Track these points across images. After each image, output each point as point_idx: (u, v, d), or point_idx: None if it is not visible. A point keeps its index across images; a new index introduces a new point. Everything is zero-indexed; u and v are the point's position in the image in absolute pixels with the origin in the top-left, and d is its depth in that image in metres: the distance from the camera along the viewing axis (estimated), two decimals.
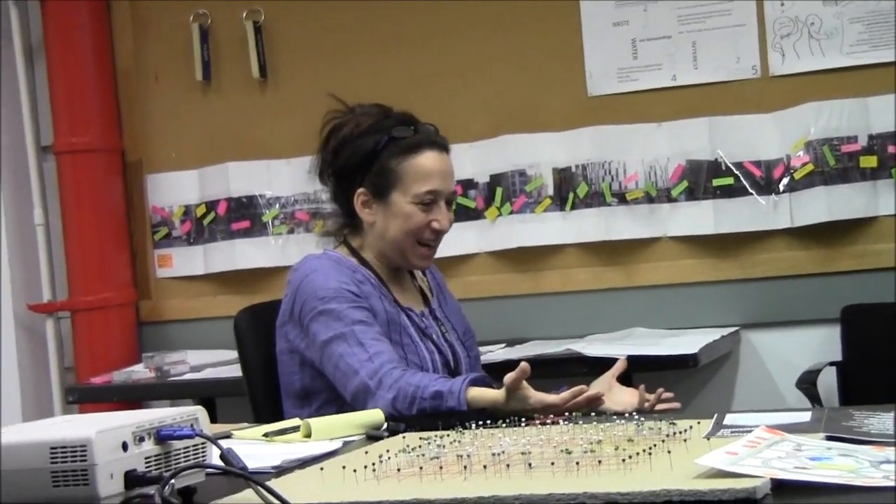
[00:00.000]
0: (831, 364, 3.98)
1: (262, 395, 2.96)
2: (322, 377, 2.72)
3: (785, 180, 4.09)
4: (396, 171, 2.77)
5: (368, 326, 2.68)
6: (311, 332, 2.69)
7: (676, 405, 2.61)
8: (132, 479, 1.61)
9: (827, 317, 4.04)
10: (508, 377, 2.44)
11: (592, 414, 2.40)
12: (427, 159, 2.78)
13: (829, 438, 1.76)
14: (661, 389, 2.64)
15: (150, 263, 4.81)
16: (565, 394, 2.44)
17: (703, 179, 4.18)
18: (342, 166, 2.82)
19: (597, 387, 2.62)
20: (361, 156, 2.79)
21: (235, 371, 4.16)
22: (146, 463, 1.65)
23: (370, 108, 2.86)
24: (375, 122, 2.81)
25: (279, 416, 2.74)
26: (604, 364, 3.55)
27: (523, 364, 2.42)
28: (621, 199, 4.26)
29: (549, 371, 3.63)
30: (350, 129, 2.82)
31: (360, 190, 2.80)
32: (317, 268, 2.74)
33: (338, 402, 2.69)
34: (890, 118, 4.00)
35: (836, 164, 4.04)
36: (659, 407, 2.59)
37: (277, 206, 4.65)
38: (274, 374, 2.86)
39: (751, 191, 4.13)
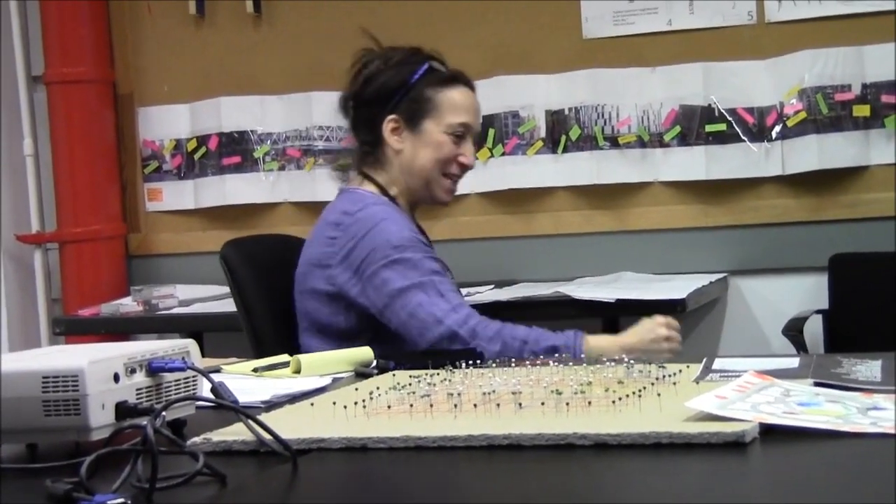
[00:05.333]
0: (818, 312, 4.00)
1: (262, 326, 2.93)
2: (368, 320, 2.70)
3: (777, 128, 4.09)
4: (433, 99, 2.80)
5: (443, 277, 2.69)
6: (381, 279, 2.66)
7: None
8: (123, 410, 1.61)
9: (815, 265, 4.06)
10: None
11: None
12: (463, 93, 2.84)
13: (818, 384, 1.77)
14: None
15: (140, 197, 4.81)
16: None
17: (695, 125, 4.18)
18: (374, 94, 2.83)
19: None
20: (397, 83, 2.82)
21: (224, 306, 4.18)
22: (137, 394, 1.65)
23: (400, 47, 2.90)
24: (409, 55, 2.85)
25: (281, 349, 2.70)
26: (592, 307, 3.59)
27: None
28: (613, 142, 4.26)
29: (538, 313, 3.65)
30: (383, 60, 2.85)
31: (392, 116, 2.81)
32: (386, 216, 2.72)
33: (375, 343, 2.68)
34: (885, 67, 3.99)
35: (828, 112, 4.04)
36: None
37: (269, 142, 4.63)
38: (274, 307, 2.85)
39: (743, 137, 4.13)
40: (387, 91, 2.82)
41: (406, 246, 2.67)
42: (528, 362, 2.14)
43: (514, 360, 2.42)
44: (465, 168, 2.83)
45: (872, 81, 4.01)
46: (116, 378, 1.62)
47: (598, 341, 2.58)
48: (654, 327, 2.62)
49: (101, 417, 1.58)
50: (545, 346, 2.53)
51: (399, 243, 2.67)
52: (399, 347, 2.64)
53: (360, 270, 2.69)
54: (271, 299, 2.95)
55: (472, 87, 2.88)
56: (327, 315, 2.75)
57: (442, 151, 2.79)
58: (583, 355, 2.50)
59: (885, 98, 4.00)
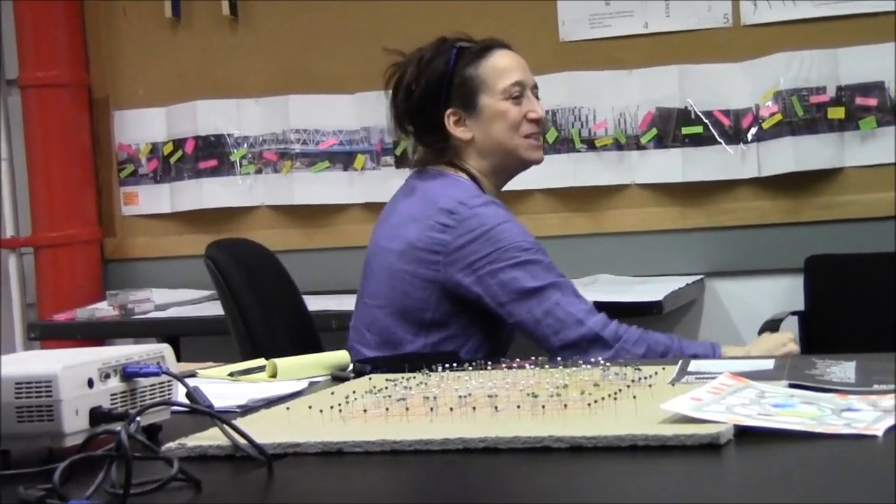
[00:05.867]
0: (793, 313, 4.01)
1: (257, 328, 2.89)
2: (459, 315, 2.68)
3: (753, 130, 4.10)
4: (476, 76, 2.77)
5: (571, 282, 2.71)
6: (509, 276, 2.64)
7: None
8: (97, 416, 1.61)
9: (791, 266, 4.07)
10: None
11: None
12: (501, 55, 2.82)
13: (792, 386, 1.77)
14: None
15: (116, 201, 4.79)
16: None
17: (672, 127, 4.19)
18: (421, 99, 2.78)
19: None
20: (437, 78, 2.77)
21: (200, 310, 4.18)
22: (112, 400, 1.64)
23: (426, 45, 2.85)
24: (437, 47, 2.81)
25: (275, 351, 2.66)
26: None
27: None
28: (590, 145, 4.26)
29: None
30: (414, 65, 2.80)
31: (449, 110, 2.77)
32: (509, 219, 2.72)
33: (456, 340, 2.68)
34: (859, 69, 4.01)
35: (804, 114, 4.05)
36: None
37: (245, 145, 4.62)
38: (265, 309, 2.82)
39: (719, 140, 4.14)
40: (432, 90, 2.78)
41: (536, 249, 2.69)
42: (504, 366, 2.14)
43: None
44: (537, 122, 2.81)
45: (847, 84, 4.03)
46: (90, 383, 1.61)
47: (734, 352, 2.62)
48: (786, 342, 2.62)
49: (74, 423, 1.58)
50: (688, 354, 2.48)
51: (529, 246, 2.68)
52: (487, 345, 2.66)
53: (475, 265, 2.66)
54: (262, 301, 2.92)
55: (508, 47, 2.86)
56: (417, 300, 2.70)
57: (509, 118, 2.77)
58: None
59: (859, 100, 4.02)
